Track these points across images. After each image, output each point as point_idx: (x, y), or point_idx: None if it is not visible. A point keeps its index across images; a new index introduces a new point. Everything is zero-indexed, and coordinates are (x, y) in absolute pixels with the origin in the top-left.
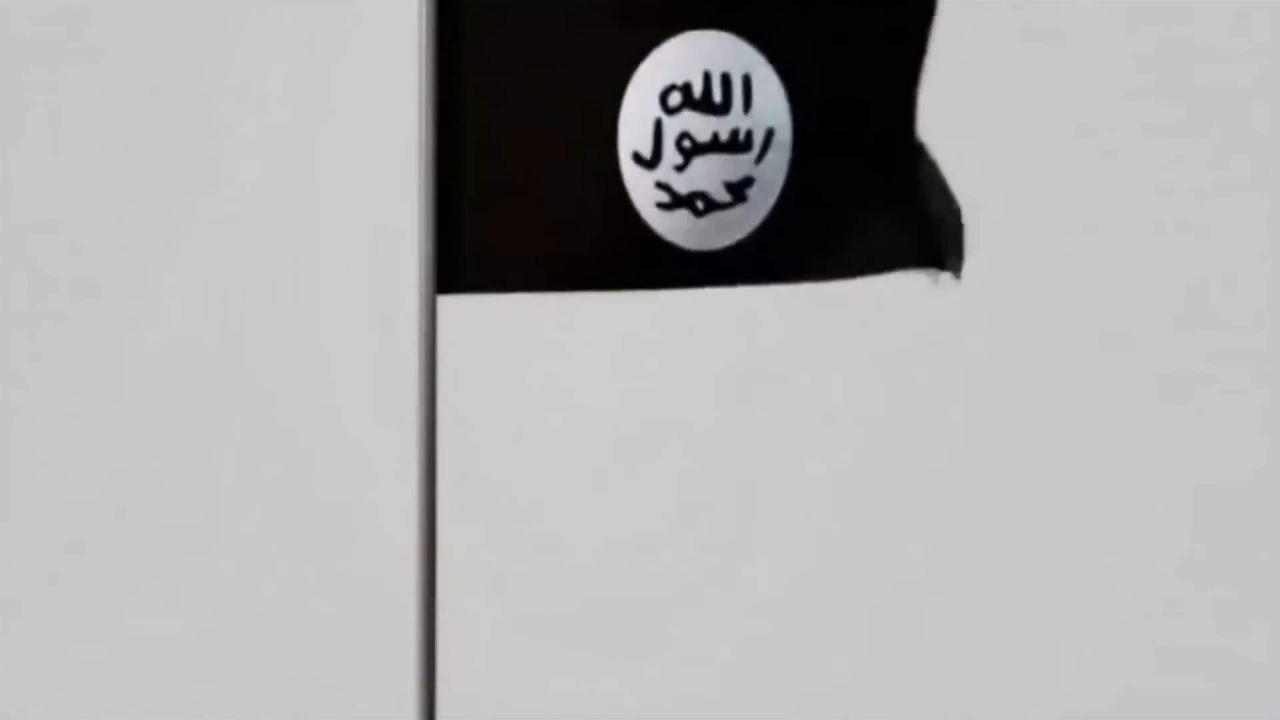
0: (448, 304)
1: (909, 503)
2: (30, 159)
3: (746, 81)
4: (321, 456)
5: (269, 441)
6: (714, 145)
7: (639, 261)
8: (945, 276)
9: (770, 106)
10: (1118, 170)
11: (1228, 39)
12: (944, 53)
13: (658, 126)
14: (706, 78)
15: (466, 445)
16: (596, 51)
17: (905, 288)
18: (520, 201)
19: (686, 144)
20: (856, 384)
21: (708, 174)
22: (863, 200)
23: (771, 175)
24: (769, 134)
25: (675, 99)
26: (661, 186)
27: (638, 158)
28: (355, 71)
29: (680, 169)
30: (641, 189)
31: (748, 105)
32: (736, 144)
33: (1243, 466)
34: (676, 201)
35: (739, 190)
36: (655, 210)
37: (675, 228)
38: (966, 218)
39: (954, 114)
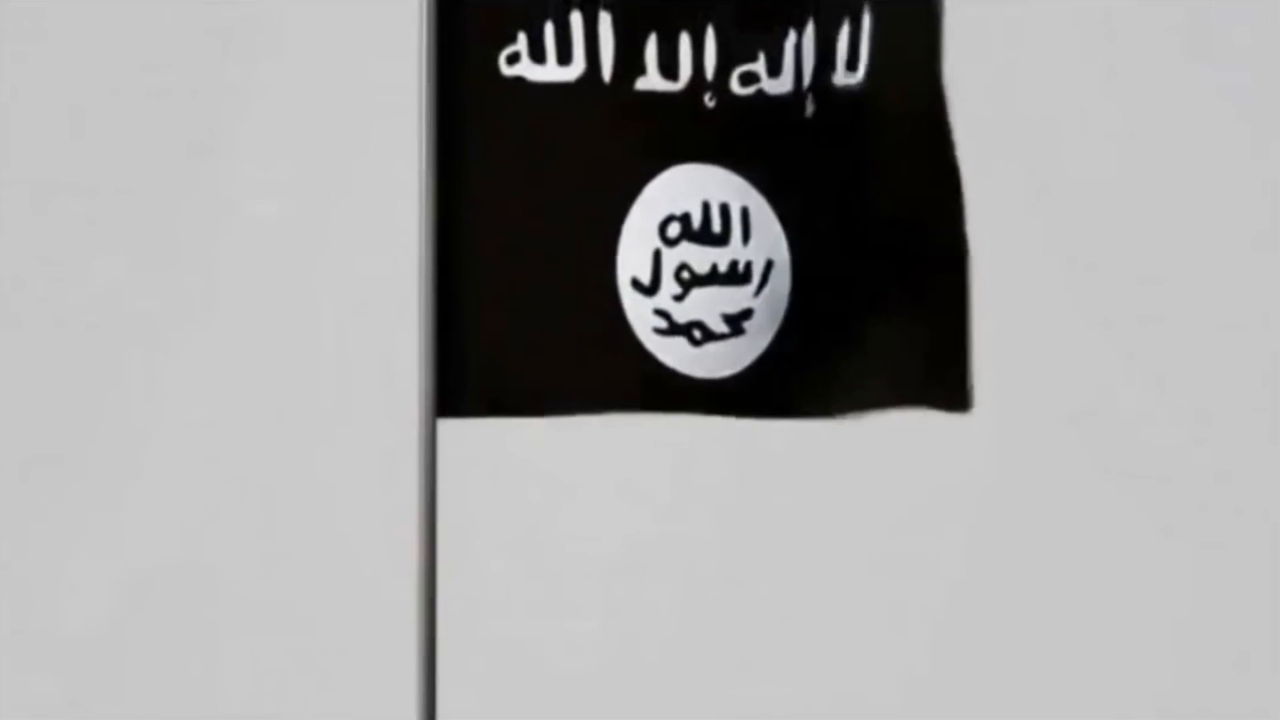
0: (447, 428)
1: (909, 627)
2: (30, 274)
3: (745, 214)
4: (322, 579)
5: (269, 564)
6: (712, 277)
7: (637, 386)
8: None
9: (769, 239)
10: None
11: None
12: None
13: (657, 256)
14: (706, 208)
15: (467, 568)
16: (597, 180)
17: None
18: (519, 326)
19: (685, 275)
20: (857, 509)
21: (706, 305)
22: (862, 337)
23: (770, 308)
24: (768, 266)
25: (674, 230)
26: (660, 314)
27: (636, 284)
28: (356, 197)
29: (679, 299)
30: (640, 315)
31: (746, 237)
32: (735, 276)
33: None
34: (674, 329)
35: (736, 323)
36: (653, 335)
37: (673, 354)
38: (971, 346)
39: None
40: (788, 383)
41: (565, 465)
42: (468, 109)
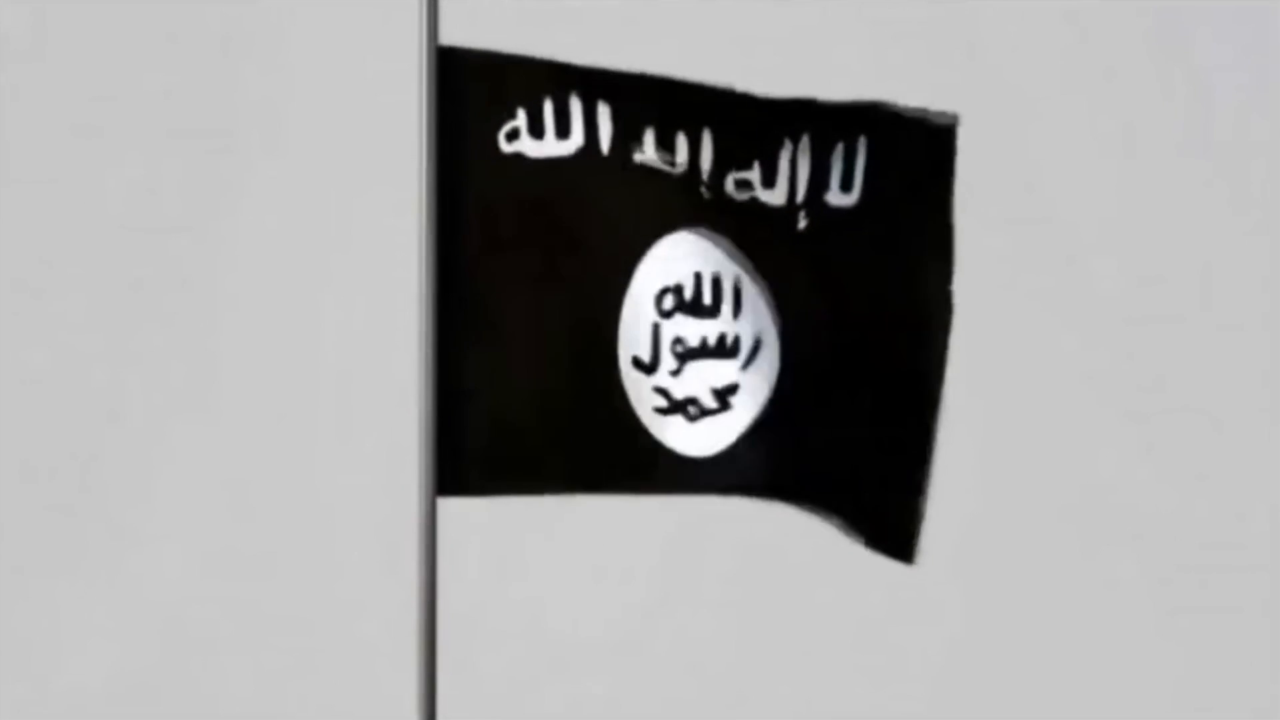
0: (447, 506)
1: (901, 697)
2: (32, 362)
3: (737, 286)
4: (323, 656)
5: (272, 642)
6: (703, 350)
7: (636, 466)
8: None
9: (760, 315)
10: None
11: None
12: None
13: (655, 331)
14: (698, 279)
15: (466, 646)
16: (595, 254)
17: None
18: (519, 407)
19: (680, 349)
20: (855, 589)
21: (699, 379)
22: (832, 453)
23: (756, 384)
24: (757, 343)
25: (669, 302)
26: (659, 391)
27: (637, 362)
28: (357, 273)
29: (675, 374)
30: (641, 394)
31: (737, 310)
32: (724, 349)
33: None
34: (673, 406)
35: (723, 397)
36: (654, 415)
37: (671, 433)
38: (928, 505)
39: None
40: (764, 463)
41: (564, 543)
42: (468, 185)
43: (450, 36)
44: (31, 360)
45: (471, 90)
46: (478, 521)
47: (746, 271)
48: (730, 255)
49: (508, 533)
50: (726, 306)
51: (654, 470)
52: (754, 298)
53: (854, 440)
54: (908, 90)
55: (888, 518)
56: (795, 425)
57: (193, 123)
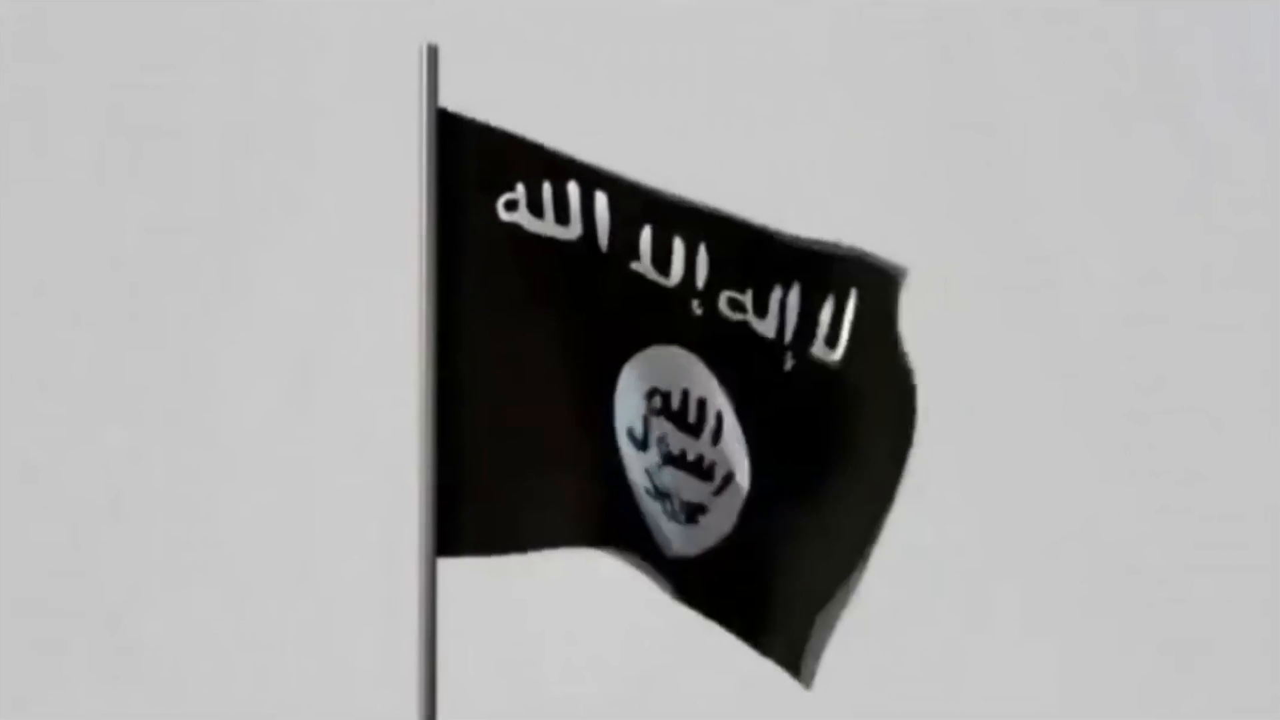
0: (447, 567)
1: None
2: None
3: (720, 418)
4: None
5: (276, 703)
6: (682, 462)
7: (630, 532)
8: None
9: (734, 452)
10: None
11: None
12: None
13: (646, 420)
14: (685, 396)
15: (467, 708)
16: (592, 333)
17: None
18: (517, 468)
19: (663, 448)
20: (855, 644)
21: (675, 483)
22: (772, 590)
23: (723, 512)
24: (728, 477)
25: (657, 403)
26: (648, 473)
27: (631, 436)
28: (359, 347)
29: (659, 467)
30: (634, 467)
31: (716, 439)
32: (700, 470)
33: None
34: (656, 493)
35: (692, 513)
36: (643, 494)
37: (652, 519)
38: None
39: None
40: (715, 591)
41: (564, 603)
42: (467, 250)
43: (450, 99)
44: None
45: (470, 157)
46: (478, 583)
47: (730, 408)
48: (717, 387)
49: (508, 593)
50: (708, 431)
51: (643, 546)
52: (732, 432)
53: (784, 582)
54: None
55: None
56: (744, 564)
57: (194, 193)
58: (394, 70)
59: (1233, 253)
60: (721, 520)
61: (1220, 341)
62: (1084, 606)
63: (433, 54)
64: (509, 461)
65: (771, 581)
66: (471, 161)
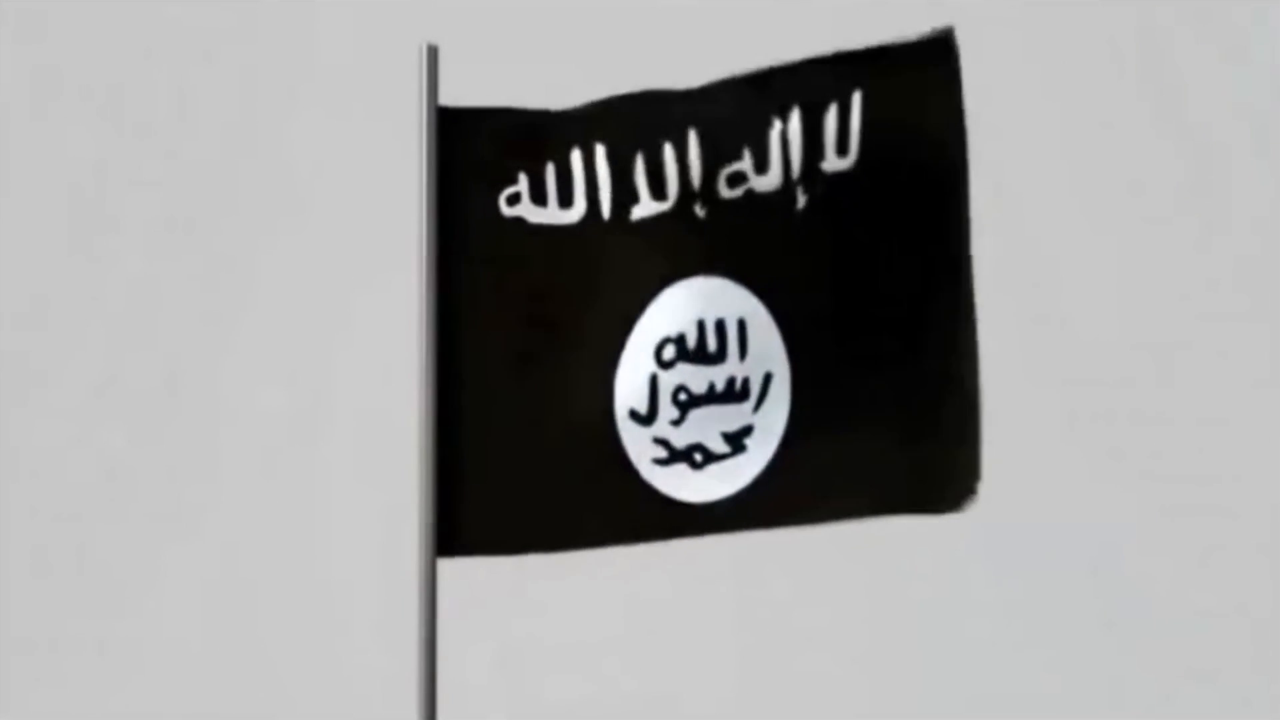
0: (447, 567)
1: None
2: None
3: (741, 327)
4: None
5: (275, 703)
6: (710, 396)
7: (637, 517)
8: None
9: (767, 351)
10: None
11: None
12: None
13: (653, 382)
14: (700, 327)
15: (466, 709)
16: (595, 316)
17: (908, 532)
18: (517, 468)
19: (683, 397)
20: (865, 643)
21: (705, 426)
22: (863, 444)
23: (770, 422)
24: (766, 379)
25: (670, 352)
26: (659, 442)
27: (635, 415)
28: (360, 345)
29: (677, 423)
30: (640, 447)
31: (743, 352)
32: (733, 394)
33: None
34: (674, 456)
35: (737, 440)
36: (652, 466)
37: (673, 482)
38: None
39: None
40: (788, 493)
41: (565, 603)
42: (468, 249)
43: (450, 99)
44: (36, 444)
45: (471, 153)
46: (478, 582)
47: (753, 302)
48: (734, 292)
49: (508, 593)
50: (732, 350)
51: (657, 519)
52: (759, 333)
53: (884, 420)
54: None
55: (940, 473)
56: (821, 443)
57: (193, 194)
58: (394, 70)
59: (1232, 254)
60: (774, 426)
61: (1220, 341)
62: (1084, 606)
63: (433, 54)
64: (510, 461)
65: (879, 431)
66: (472, 158)
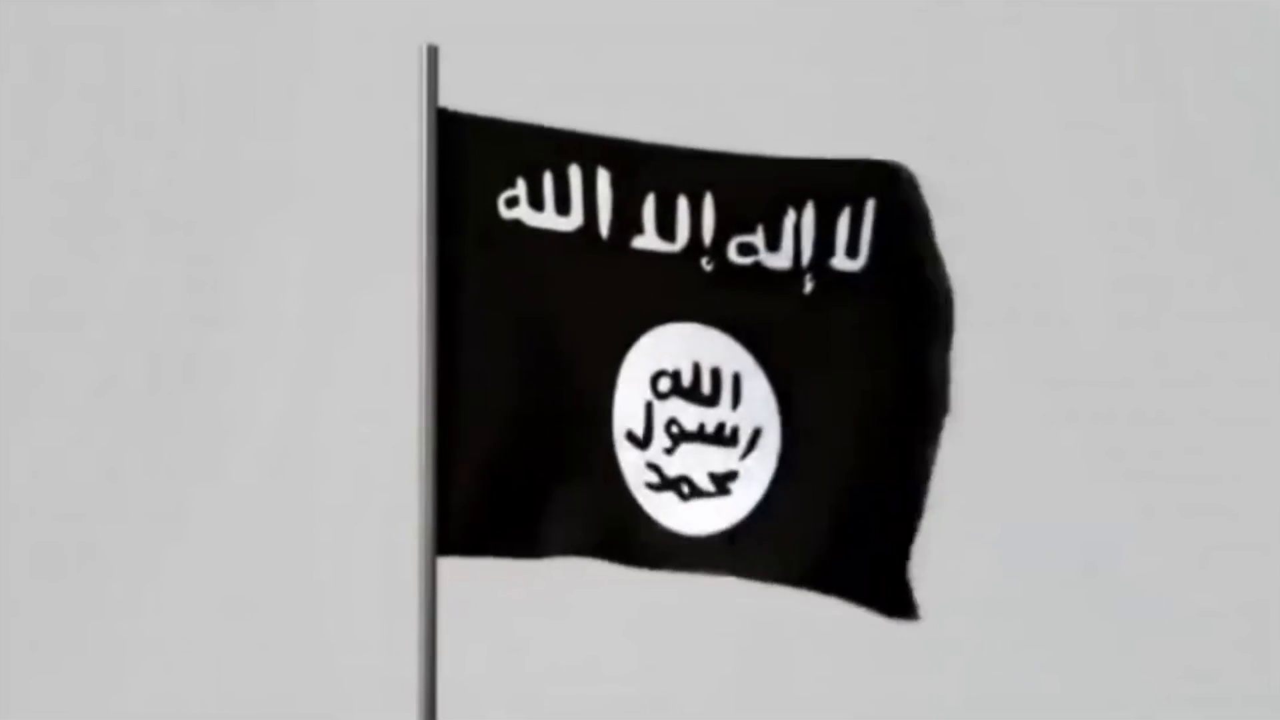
0: (447, 567)
1: None
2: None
3: (736, 380)
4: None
5: (275, 703)
6: (700, 435)
7: (632, 538)
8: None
9: (759, 408)
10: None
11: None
12: None
13: (648, 409)
14: (696, 369)
15: (466, 710)
16: (593, 326)
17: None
18: (516, 468)
19: (674, 430)
20: (865, 643)
21: (694, 461)
22: (835, 522)
23: (756, 473)
24: (756, 433)
25: (665, 385)
26: (651, 467)
27: (631, 436)
28: (359, 346)
29: (669, 452)
30: (634, 467)
31: (736, 401)
32: (722, 438)
33: None
34: (664, 484)
35: (722, 483)
36: (645, 490)
37: (663, 509)
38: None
39: None
40: (765, 548)
41: (565, 607)
42: (468, 250)
43: (450, 99)
44: (35, 443)
45: (471, 154)
46: (478, 581)
47: (749, 362)
48: (730, 350)
49: (508, 593)
50: (726, 397)
51: (650, 543)
52: (753, 390)
53: (854, 517)
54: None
55: (885, 588)
56: (798, 508)
57: (193, 194)
58: (394, 70)
59: (1232, 254)
60: (759, 477)
61: (1219, 341)
62: (1084, 606)
63: (433, 54)
64: (510, 462)
65: (842, 520)
66: (472, 160)
